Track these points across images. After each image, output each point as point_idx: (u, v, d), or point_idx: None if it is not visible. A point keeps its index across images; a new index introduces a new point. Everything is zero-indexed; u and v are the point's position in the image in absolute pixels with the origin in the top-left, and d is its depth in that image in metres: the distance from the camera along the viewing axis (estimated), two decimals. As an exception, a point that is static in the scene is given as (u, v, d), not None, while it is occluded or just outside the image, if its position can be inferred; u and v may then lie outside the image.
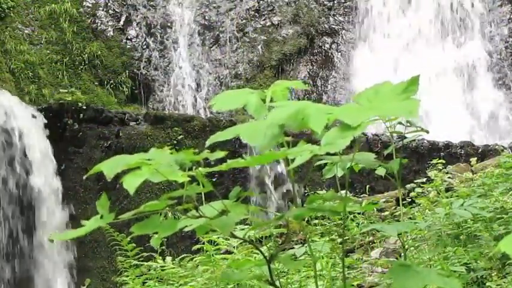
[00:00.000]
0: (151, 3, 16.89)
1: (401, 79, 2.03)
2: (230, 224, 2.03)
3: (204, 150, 1.98)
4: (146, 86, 16.13)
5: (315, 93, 16.46)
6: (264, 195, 12.34)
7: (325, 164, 2.41)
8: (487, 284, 4.42)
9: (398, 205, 6.86)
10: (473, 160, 7.73)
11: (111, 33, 16.28)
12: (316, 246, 4.01)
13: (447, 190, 6.11)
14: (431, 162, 7.07)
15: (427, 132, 2.70)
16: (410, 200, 6.46)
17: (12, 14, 15.38)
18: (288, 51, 16.78)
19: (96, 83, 15.68)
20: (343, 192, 2.30)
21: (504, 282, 4.35)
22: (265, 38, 16.82)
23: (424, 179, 6.54)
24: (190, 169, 1.98)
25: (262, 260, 2.14)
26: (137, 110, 15.13)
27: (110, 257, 11.57)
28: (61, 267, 12.02)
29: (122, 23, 16.47)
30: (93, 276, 11.73)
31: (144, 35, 16.54)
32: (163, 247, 6.60)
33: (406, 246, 3.82)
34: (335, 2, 17.36)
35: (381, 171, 2.54)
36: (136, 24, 16.58)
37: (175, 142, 12.75)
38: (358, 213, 6.83)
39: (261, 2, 17.15)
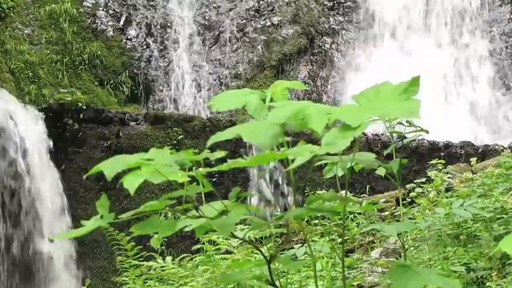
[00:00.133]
0: (151, 3, 16.88)
1: (400, 80, 2.03)
2: (230, 224, 2.03)
3: (204, 150, 1.98)
4: (146, 86, 16.12)
5: (315, 93, 16.46)
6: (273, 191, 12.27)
7: (326, 164, 2.40)
8: (487, 284, 4.41)
9: (398, 205, 6.86)
10: (473, 160, 7.71)
11: (111, 33, 16.27)
12: (316, 246, 4.01)
13: (447, 190, 6.10)
14: (431, 162, 7.06)
15: (427, 132, 2.70)
16: (410, 200, 6.46)
17: (12, 14, 15.37)
18: (288, 51, 16.77)
19: (96, 83, 15.67)
20: (343, 192, 2.30)
21: (504, 282, 4.35)
22: (265, 38, 16.82)
23: (424, 179, 6.53)
24: (190, 169, 1.98)
25: (262, 260, 2.14)
26: (137, 110, 15.13)
27: (110, 257, 11.57)
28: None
29: (122, 23, 16.46)
30: (93, 276, 11.73)
31: (144, 35, 16.53)
32: (163, 247, 6.60)
33: (406, 246, 3.81)
34: (335, 2, 17.36)
35: (381, 171, 2.54)
36: (136, 24, 16.57)
37: (175, 142, 12.75)
38: (358, 213, 6.83)
39: (261, 2, 17.15)
